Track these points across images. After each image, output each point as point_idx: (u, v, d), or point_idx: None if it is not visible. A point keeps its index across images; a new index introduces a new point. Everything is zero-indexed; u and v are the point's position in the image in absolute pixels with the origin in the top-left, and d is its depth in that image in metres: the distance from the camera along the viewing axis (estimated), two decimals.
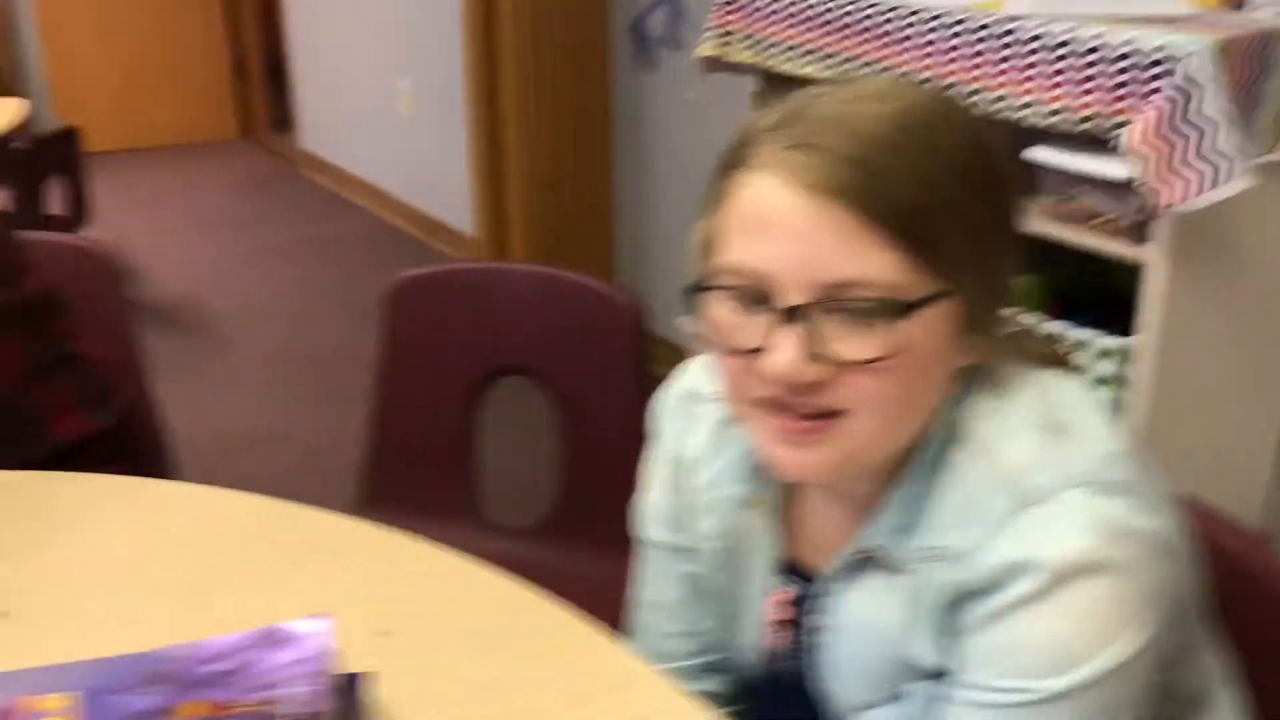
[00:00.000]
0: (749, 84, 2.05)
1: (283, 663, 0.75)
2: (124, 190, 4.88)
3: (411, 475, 1.60)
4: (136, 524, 1.11)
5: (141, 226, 4.47)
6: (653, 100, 3.10)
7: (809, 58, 1.80)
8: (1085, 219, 1.57)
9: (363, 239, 4.46)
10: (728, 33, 1.97)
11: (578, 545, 1.55)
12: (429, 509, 1.51)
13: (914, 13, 1.66)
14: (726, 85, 2.08)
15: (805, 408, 0.72)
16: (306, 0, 4.98)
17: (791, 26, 1.82)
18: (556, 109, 3.11)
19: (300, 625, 0.78)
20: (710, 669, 0.95)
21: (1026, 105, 1.55)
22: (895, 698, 0.80)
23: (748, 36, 1.92)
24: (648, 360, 1.49)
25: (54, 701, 0.72)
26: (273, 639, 0.77)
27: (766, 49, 1.88)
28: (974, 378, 0.76)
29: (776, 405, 0.72)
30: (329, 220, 4.69)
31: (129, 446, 1.52)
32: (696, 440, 0.89)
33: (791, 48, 1.83)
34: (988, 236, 0.73)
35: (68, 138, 3.32)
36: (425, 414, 1.59)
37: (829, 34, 1.76)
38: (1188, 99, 1.40)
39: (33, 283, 1.39)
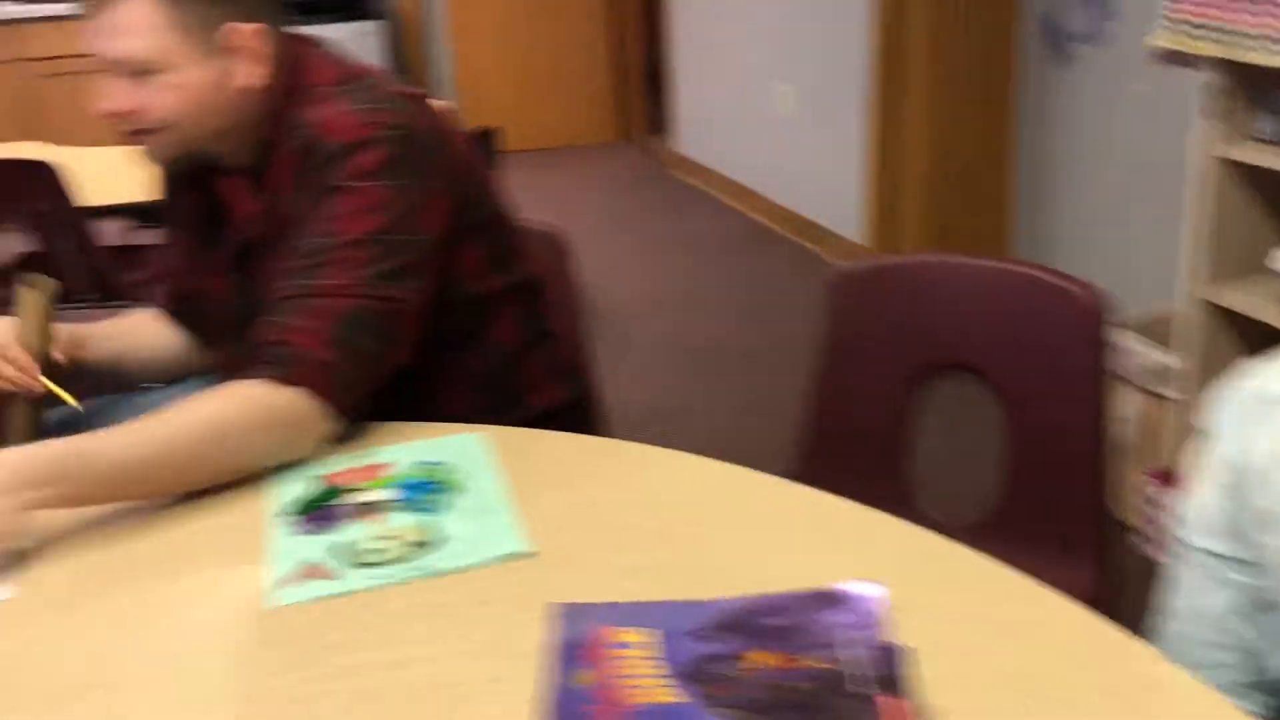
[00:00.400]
0: (1171, 77, 1.92)
1: (837, 623, 0.78)
2: (521, 188, 5.25)
3: (846, 462, 1.61)
4: (625, 480, 1.19)
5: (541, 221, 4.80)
6: (1065, 95, 2.97)
7: None
8: None
9: (732, 236, 4.58)
10: (1187, 23, 1.85)
11: (1020, 547, 1.50)
12: (861, 497, 1.52)
13: None
14: (1151, 80, 1.96)
15: None
16: (690, 9, 5.17)
17: (1272, 15, 1.68)
18: (959, 104, 3.05)
19: (853, 588, 0.80)
20: (1255, 686, 0.89)
21: None
22: None
23: (1212, 27, 1.80)
24: (1109, 358, 1.42)
25: (635, 635, 0.78)
26: (827, 599, 0.80)
27: (1236, 39, 1.75)
28: None
29: None
30: (701, 218, 4.84)
31: (583, 418, 1.63)
32: (1271, 445, 0.84)
33: (1269, 38, 1.69)
34: None
35: (486, 137, 3.62)
36: (863, 403, 1.60)
37: None
38: None
39: (526, 266, 1.52)
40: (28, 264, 3.11)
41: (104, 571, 1.09)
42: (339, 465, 1.23)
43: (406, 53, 5.98)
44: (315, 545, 1.08)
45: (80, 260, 2.76)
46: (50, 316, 1.39)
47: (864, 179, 3.50)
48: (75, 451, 1.11)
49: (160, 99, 1.30)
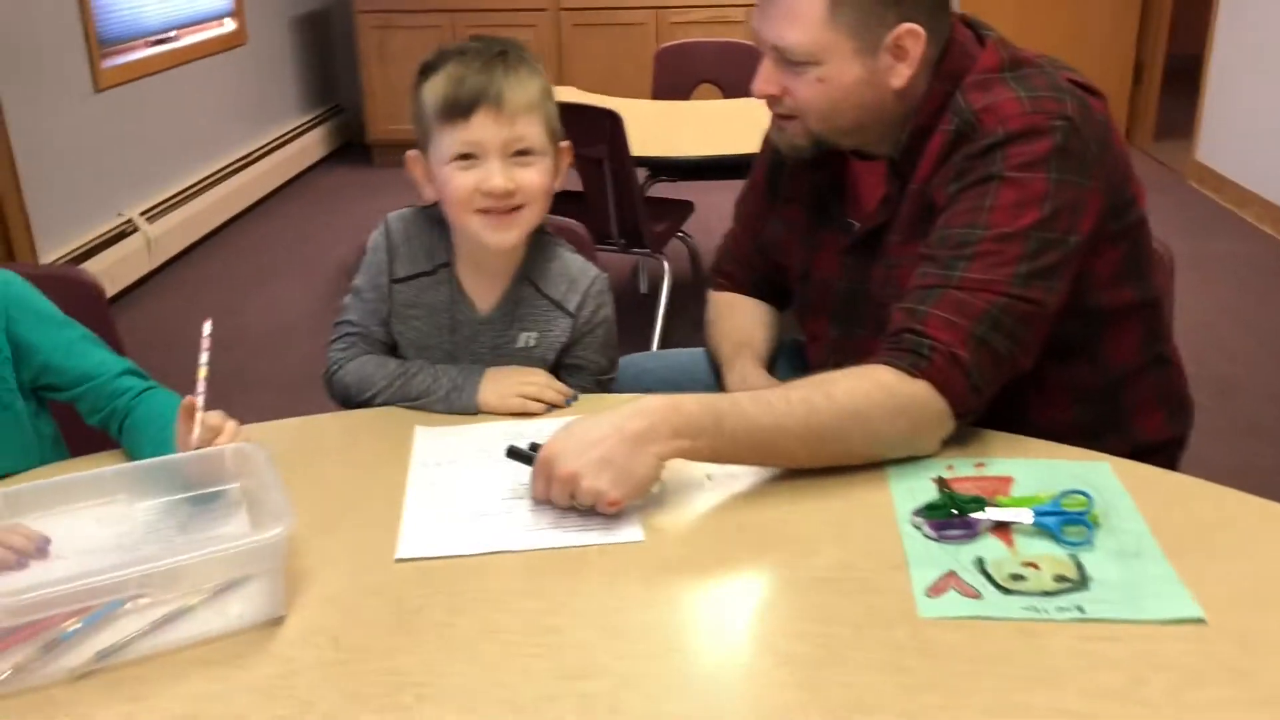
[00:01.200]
0: None
1: None
2: None
3: None
4: None
5: None
6: None
7: None
8: None
9: (1265, 264, 4.07)
10: None
11: None
12: None
13: None
14: None
15: None
16: (1246, 7, 4.61)
17: None
18: None
19: None
20: None
21: None
22: None
23: None
24: None
25: None
26: None
27: None
28: None
29: None
30: (1227, 239, 4.35)
31: (1176, 460, 1.45)
32: None
33: None
34: None
35: None
36: None
37: None
38: None
39: (1154, 281, 1.37)
40: (567, 203, 3.33)
41: (722, 534, 1.09)
42: (956, 470, 1.16)
43: None
44: (954, 555, 1.02)
45: (615, 206, 2.91)
46: None
47: None
48: (719, 410, 1.11)
49: (806, 89, 1.28)
